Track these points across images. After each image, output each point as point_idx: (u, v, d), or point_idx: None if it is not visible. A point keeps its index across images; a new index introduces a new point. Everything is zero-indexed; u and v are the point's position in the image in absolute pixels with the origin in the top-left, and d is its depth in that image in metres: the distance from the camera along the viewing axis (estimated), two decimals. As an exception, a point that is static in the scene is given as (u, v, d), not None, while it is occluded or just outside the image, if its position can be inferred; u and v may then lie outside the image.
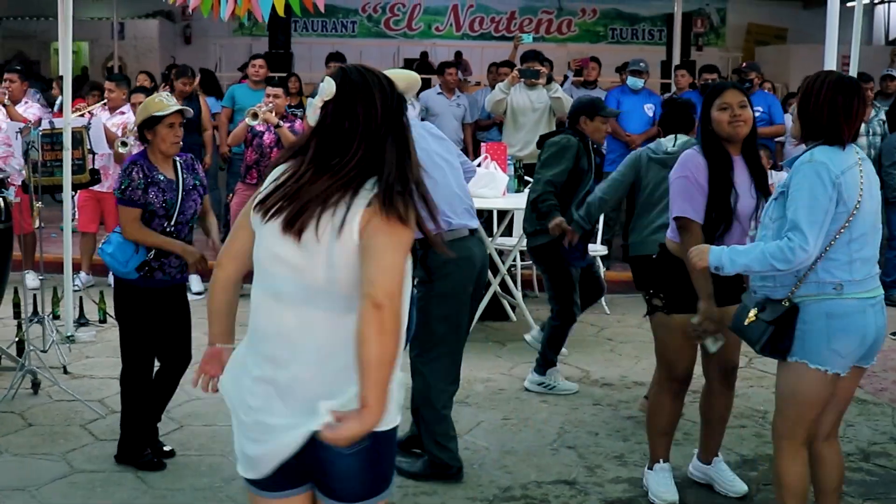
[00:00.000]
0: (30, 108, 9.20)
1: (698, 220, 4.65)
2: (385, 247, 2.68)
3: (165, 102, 5.23)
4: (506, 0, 23.23)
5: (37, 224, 6.71)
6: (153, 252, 5.15)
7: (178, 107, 5.22)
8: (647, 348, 7.07)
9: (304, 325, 2.79)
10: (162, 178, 5.19)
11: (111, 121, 9.20)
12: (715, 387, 5.13)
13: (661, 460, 5.12)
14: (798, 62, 19.16)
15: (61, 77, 9.02)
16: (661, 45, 21.86)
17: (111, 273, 5.48)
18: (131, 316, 5.27)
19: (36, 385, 6.41)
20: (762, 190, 4.76)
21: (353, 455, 2.74)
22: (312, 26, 22.95)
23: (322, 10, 7.55)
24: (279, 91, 8.53)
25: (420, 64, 19.75)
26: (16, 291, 7.58)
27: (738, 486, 5.16)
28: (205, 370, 3.15)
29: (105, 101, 9.44)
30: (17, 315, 7.57)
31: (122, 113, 9.40)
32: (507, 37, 21.17)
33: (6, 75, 9.14)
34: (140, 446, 5.31)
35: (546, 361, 6.75)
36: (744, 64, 10.58)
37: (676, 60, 11.84)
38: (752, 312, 4.10)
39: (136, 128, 5.42)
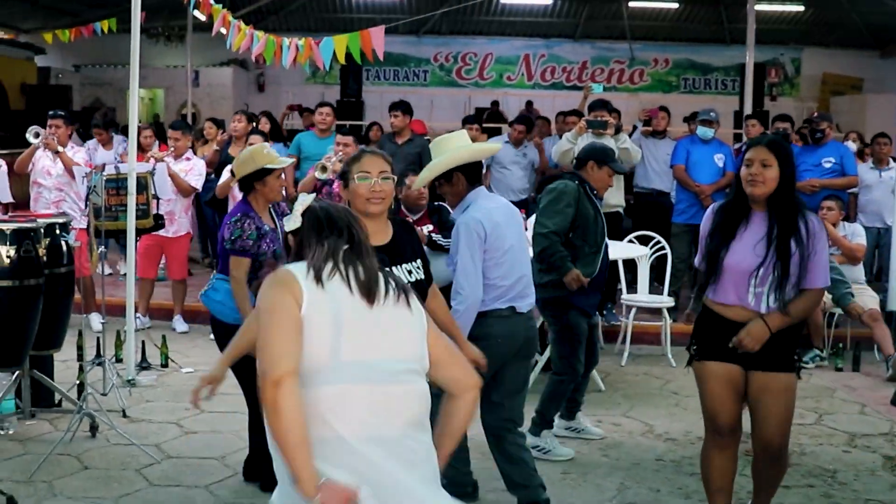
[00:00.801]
0: (77, 154, 9.30)
1: (700, 268, 4.77)
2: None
3: (274, 154, 5.33)
4: (578, 50, 23.27)
5: (97, 268, 6.75)
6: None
7: (289, 160, 5.32)
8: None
9: None
10: (267, 228, 5.29)
11: (177, 166, 9.28)
12: (758, 464, 4.96)
13: None
14: (874, 112, 18.91)
15: (184, 125, 9.29)
16: (734, 95, 21.74)
17: (214, 321, 5.51)
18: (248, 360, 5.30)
19: (94, 428, 6.41)
20: (778, 251, 4.50)
21: None
22: (385, 75, 23.17)
23: (381, 58, 7.54)
24: (349, 140, 8.27)
25: (491, 113, 19.80)
26: (80, 334, 7.61)
27: None
28: None
29: (173, 149, 9.53)
30: (80, 357, 7.60)
31: (188, 159, 9.49)
32: (579, 86, 21.19)
33: (50, 121, 9.22)
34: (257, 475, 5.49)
35: (543, 421, 6.41)
36: (815, 114, 10.41)
37: (748, 110, 11.66)
38: None
39: (236, 176, 5.47)
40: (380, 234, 4.13)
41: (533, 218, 8.40)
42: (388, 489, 2.81)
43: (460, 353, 3.18)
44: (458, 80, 23.50)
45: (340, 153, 8.07)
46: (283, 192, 9.67)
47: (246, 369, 5.25)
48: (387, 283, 2.97)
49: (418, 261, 4.18)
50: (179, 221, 9.46)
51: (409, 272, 4.11)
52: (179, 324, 9.50)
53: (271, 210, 5.49)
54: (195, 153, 10.39)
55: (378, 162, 4.14)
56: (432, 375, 3.05)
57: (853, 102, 21.16)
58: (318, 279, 2.86)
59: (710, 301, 4.72)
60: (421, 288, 4.10)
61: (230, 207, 8.47)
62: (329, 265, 2.91)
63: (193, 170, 9.42)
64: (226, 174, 8.75)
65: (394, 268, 4.04)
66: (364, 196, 4.04)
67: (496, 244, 4.97)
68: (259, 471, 5.46)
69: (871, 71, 22.23)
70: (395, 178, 4.14)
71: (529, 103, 20.37)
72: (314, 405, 2.78)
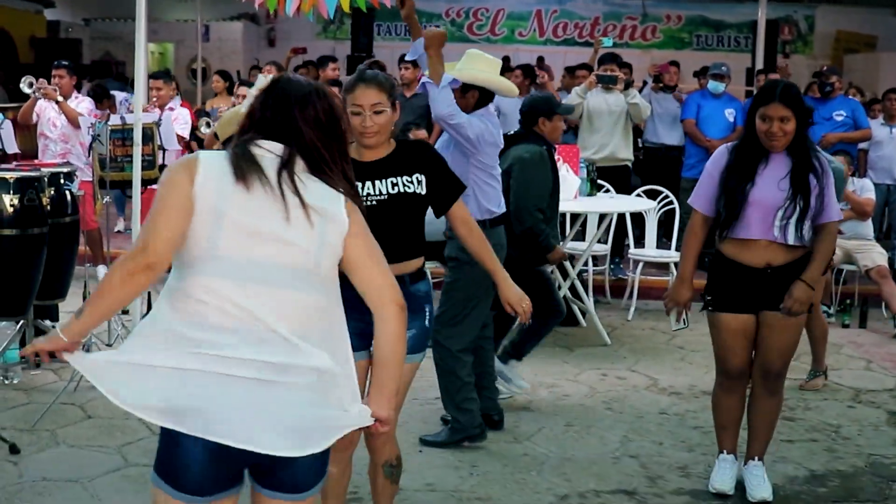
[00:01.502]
0: (81, 103, 9.27)
1: (703, 211, 4.88)
2: (377, 249, 2.85)
3: None
4: (590, 5, 23.04)
5: (101, 217, 6.73)
6: None
7: None
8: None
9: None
10: None
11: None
12: (756, 390, 5.08)
13: (725, 451, 5.14)
14: (888, 70, 18.74)
15: (166, 75, 9.19)
16: (747, 53, 21.50)
17: None
18: None
19: (98, 378, 6.41)
20: (800, 186, 4.71)
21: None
22: (396, 30, 22.99)
23: (388, 5, 7.48)
24: (337, 91, 8.39)
25: (502, 68, 19.69)
26: (85, 286, 7.61)
27: (760, 492, 5.01)
28: None
29: (154, 98, 9.44)
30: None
31: (172, 109, 9.43)
32: (591, 42, 20.94)
33: (54, 71, 9.17)
34: None
35: (516, 352, 6.42)
36: (824, 67, 10.33)
37: (760, 66, 11.54)
38: None
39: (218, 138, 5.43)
40: (374, 152, 4.06)
41: None
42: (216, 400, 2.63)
43: (381, 261, 2.86)
44: (469, 35, 23.30)
45: None
46: None
47: None
48: (285, 194, 2.72)
49: (416, 175, 4.06)
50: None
51: (394, 184, 4.01)
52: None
53: None
54: (204, 105, 10.34)
55: (371, 94, 3.96)
56: (352, 281, 2.85)
57: (867, 60, 20.95)
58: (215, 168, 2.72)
59: (726, 244, 4.84)
60: (410, 200, 4.05)
61: None
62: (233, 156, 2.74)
63: (178, 119, 9.33)
64: (206, 129, 8.62)
65: (377, 181, 3.99)
66: (357, 131, 3.96)
67: (493, 159, 5.46)
68: None
69: (885, 29, 21.99)
70: (390, 107, 3.98)
71: (541, 59, 20.19)
72: (187, 291, 2.68)
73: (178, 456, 2.67)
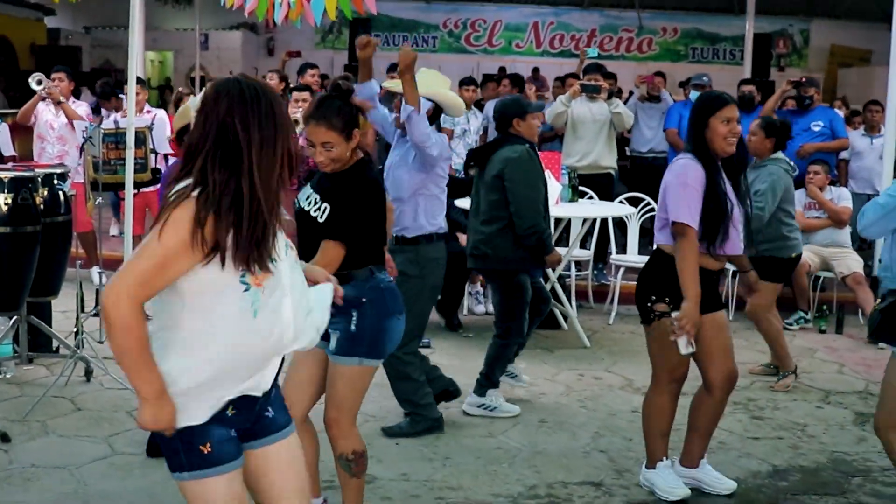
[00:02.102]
0: (79, 108, 9.49)
1: (695, 227, 4.78)
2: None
3: None
4: (587, 18, 23.28)
5: (92, 218, 6.93)
6: None
7: None
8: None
9: None
10: None
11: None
12: (716, 395, 5.14)
13: (664, 458, 5.21)
14: (882, 84, 18.86)
15: (141, 81, 9.34)
16: (742, 65, 21.73)
17: None
18: None
19: (88, 373, 6.63)
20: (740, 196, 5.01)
21: None
22: (394, 41, 23.19)
23: (374, 12, 7.69)
24: (305, 95, 8.56)
25: (498, 79, 19.88)
26: (80, 285, 7.80)
27: (728, 484, 5.23)
28: None
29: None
30: (80, 307, 7.79)
31: (148, 112, 9.62)
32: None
33: (54, 74, 9.42)
34: None
35: (489, 382, 6.41)
36: (803, 79, 10.52)
37: (747, 75, 11.78)
38: (876, 302, 4.55)
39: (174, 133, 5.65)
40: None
41: None
42: None
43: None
44: (467, 46, 23.54)
45: (301, 108, 8.20)
46: None
47: None
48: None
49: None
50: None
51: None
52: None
53: None
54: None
55: (320, 132, 4.14)
56: None
57: (861, 74, 21.15)
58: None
59: (707, 258, 4.91)
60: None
61: None
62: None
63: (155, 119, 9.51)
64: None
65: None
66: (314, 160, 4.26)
67: (445, 172, 5.84)
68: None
69: (880, 43, 22.02)
70: (344, 140, 4.11)
71: (536, 70, 20.44)
72: None
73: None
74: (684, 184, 4.81)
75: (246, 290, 2.87)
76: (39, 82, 9.17)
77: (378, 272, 4.27)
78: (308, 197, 4.25)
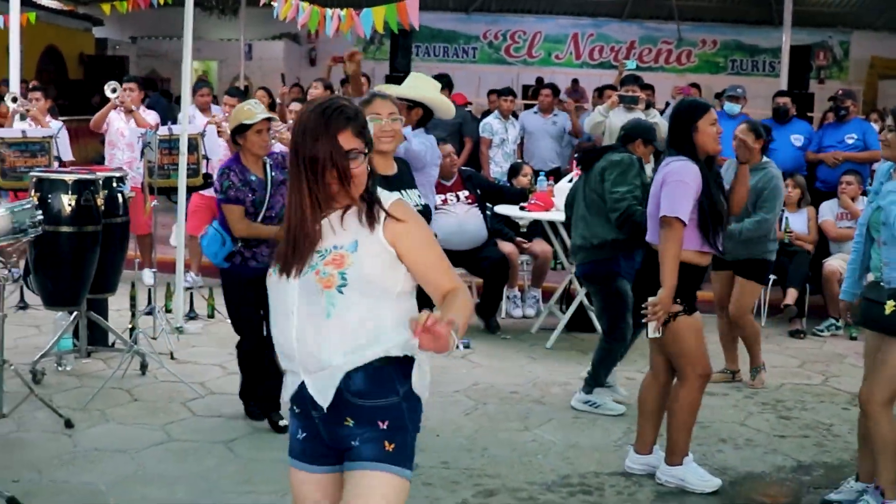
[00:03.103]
0: (149, 116, 9.88)
1: (685, 222, 5.12)
2: None
3: (254, 111, 5.80)
4: (626, 30, 23.44)
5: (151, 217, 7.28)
6: (240, 243, 5.73)
7: (265, 115, 5.80)
8: (722, 358, 7.38)
9: None
10: (253, 178, 5.79)
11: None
12: (670, 379, 5.52)
13: (689, 454, 5.46)
14: (925, 96, 19.00)
15: (206, 82, 9.70)
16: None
17: None
18: (230, 299, 6.04)
19: (144, 367, 6.96)
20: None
21: None
22: (434, 51, 23.49)
23: (416, 27, 7.99)
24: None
25: (535, 89, 20.17)
26: (133, 286, 8.15)
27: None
28: None
29: (227, 114, 9.98)
30: (132, 305, 8.14)
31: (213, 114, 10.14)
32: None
33: (125, 84, 9.83)
34: (246, 399, 6.11)
35: (595, 382, 6.73)
36: (840, 91, 10.70)
37: (784, 87, 11.96)
38: (891, 303, 4.76)
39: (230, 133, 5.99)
40: (388, 167, 4.72)
41: (561, 184, 8.86)
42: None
43: (441, 263, 3.10)
44: (506, 57, 23.78)
45: None
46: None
47: (232, 302, 5.89)
48: None
49: (417, 190, 4.72)
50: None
51: (419, 195, 4.76)
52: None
53: (266, 162, 5.95)
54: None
55: (387, 104, 4.62)
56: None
57: (902, 86, 21.25)
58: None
59: (697, 253, 5.25)
60: (424, 212, 4.64)
61: None
62: None
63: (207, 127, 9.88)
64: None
65: (403, 192, 4.56)
66: (376, 135, 4.53)
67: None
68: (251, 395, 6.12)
69: (921, 55, 22.25)
70: (403, 119, 4.63)
71: (575, 81, 20.68)
72: None
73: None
74: (683, 181, 5.13)
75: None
76: (114, 90, 9.57)
77: None
78: (408, 196, 4.61)
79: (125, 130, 9.73)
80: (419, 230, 3.07)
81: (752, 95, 14.17)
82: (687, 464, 5.43)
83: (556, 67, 23.36)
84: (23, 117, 8.91)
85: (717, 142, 5.25)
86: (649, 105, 10.26)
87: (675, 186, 5.12)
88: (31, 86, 10.25)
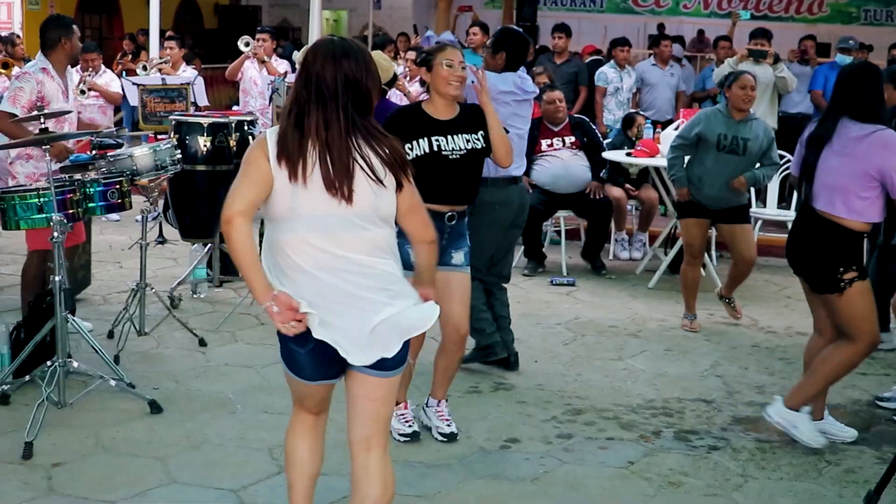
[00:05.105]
0: (280, 65, 10.52)
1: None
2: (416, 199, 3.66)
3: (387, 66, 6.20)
4: (756, -22, 23.22)
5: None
6: None
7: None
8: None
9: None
10: None
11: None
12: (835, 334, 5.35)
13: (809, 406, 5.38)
14: None
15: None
16: (916, 29, 21.34)
17: None
18: None
19: (271, 295, 7.59)
20: None
21: None
22: (561, 1, 23.62)
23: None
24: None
25: (656, 38, 20.23)
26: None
27: (851, 432, 5.53)
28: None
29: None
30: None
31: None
32: (756, 15, 21.09)
33: (258, 35, 10.53)
34: None
35: None
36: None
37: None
38: None
39: None
40: (449, 111, 5.05)
41: (667, 131, 9.19)
42: (336, 299, 3.37)
43: (422, 211, 3.64)
44: (634, 7, 23.78)
45: None
46: None
47: None
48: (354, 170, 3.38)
49: (479, 133, 5.07)
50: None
51: (468, 140, 5.02)
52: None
53: None
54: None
55: (459, 54, 5.00)
56: (399, 222, 3.58)
57: None
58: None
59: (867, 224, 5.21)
60: (477, 153, 5.06)
61: None
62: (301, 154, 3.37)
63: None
64: None
65: (452, 136, 4.98)
66: (446, 79, 4.94)
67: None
68: None
69: None
70: (465, 76, 4.99)
71: (701, 31, 20.69)
72: (277, 243, 3.41)
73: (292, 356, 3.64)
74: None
75: None
76: (247, 44, 10.26)
77: None
78: (458, 139, 5.02)
79: (258, 79, 10.40)
80: None
81: (878, 46, 14.15)
82: (804, 413, 5.32)
83: (685, 17, 23.26)
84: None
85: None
86: (777, 59, 10.48)
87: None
88: (167, 35, 10.97)
